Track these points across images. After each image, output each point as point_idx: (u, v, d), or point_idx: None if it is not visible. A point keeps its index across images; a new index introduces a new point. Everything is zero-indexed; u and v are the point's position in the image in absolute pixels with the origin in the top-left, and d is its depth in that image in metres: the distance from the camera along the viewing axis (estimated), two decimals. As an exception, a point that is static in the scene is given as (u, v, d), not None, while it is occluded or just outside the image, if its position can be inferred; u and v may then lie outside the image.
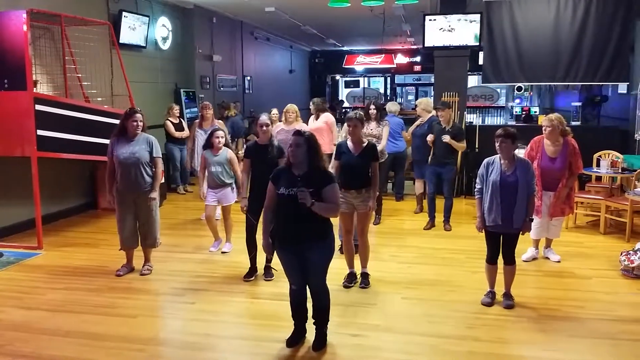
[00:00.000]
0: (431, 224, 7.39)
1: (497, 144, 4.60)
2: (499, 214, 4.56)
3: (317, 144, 3.87)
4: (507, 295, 4.82)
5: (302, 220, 3.73)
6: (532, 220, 4.76)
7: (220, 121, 8.55)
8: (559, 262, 5.95)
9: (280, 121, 7.85)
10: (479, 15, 9.10)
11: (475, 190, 4.82)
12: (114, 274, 5.62)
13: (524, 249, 5.96)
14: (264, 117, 5.44)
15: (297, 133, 3.87)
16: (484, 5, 9.15)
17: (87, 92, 7.99)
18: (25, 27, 6.21)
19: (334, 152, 5.34)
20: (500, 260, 4.78)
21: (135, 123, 5.36)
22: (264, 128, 5.37)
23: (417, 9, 11.21)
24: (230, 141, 6.45)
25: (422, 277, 5.57)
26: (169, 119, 9.62)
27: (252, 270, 5.52)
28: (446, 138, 7.03)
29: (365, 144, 5.12)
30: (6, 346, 4.13)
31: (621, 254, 5.67)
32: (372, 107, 7.39)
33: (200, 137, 7.90)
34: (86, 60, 7.89)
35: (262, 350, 4.04)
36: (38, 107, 6.37)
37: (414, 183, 9.87)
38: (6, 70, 6.31)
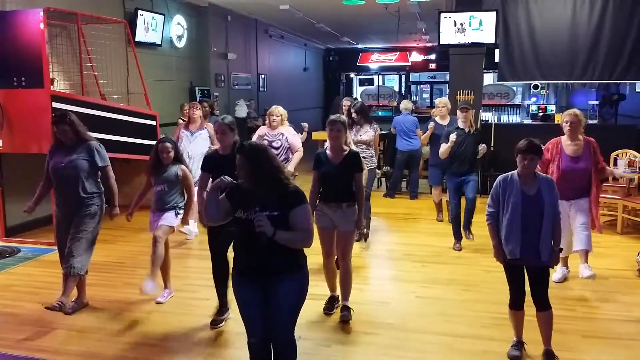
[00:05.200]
0: (460, 245, 6.49)
1: (523, 161, 3.71)
2: (518, 244, 3.72)
3: (265, 156, 3.06)
4: (549, 353, 3.84)
5: (266, 249, 2.98)
6: (561, 250, 3.96)
7: (210, 124, 7.29)
8: (590, 277, 5.11)
9: (286, 122, 6.65)
10: (494, 13, 9.05)
11: (487, 213, 3.91)
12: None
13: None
14: (220, 120, 4.43)
15: (238, 149, 3.10)
16: (500, 2, 9.07)
17: (103, 89, 8.05)
18: (42, 25, 6.27)
19: (313, 162, 4.60)
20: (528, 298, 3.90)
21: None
22: (219, 135, 4.40)
23: (432, 6, 11.17)
24: (182, 154, 5.19)
25: (437, 276, 5.55)
26: (182, 117, 9.66)
27: (223, 307, 4.52)
28: (483, 149, 6.25)
29: (346, 152, 4.48)
30: (24, 341, 4.19)
31: (638, 254, 5.61)
32: (353, 112, 6.52)
33: (186, 140, 7.07)
34: (102, 58, 7.95)
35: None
36: (55, 104, 6.43)
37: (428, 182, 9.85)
38: (24, 68, 6.38)
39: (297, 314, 3.15)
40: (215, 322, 4.43)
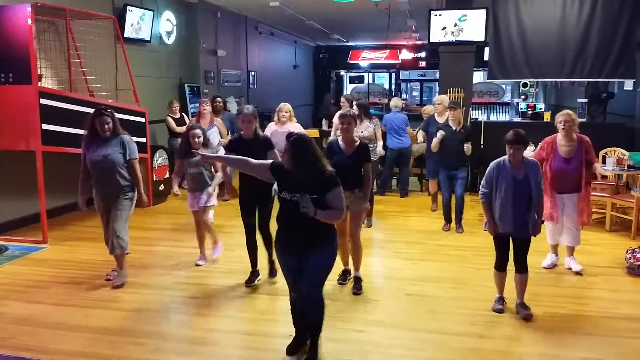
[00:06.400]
0: (449, 227, 7.11)
1: (509, 150, 4.33)
2: (511, 221, 4.37)
3: (308, 146, 3.55)
4: (522, 305, 4.56)
5: (304, 226, 3.56)
6: (543, 221, 4.54)
7: (219, 119, 8.05)
8: (580, 272, 5.51)
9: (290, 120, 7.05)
10: (484, 11, 9.06)
11: (481, 193, 4.56)
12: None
13: (542, 257, 5.73)
14: (245, 111, 5.08)
15: (287, 137, 3.59)
16: (490, 0, 9.09)
17: (92, 86, 7.99)
18: (30, 21, 6.21)
19: (326, 151, 5.01)
20: (510, 265, 4.56)
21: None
22: (245, 124, 5.01)
23: (423, 4, 11.18)
24: (209, 140, 5.75)
25: (427, 274, 5.56)
26: (170, 114, 9.60)
27: (254, 274, 5.27)
28: (468, 149, 6.71)
29: (357, 144, 4.92)
30: (10, 339, 4.15)
31: (627, 252, 5.64)
32: (354, 105, 6.87)
33: None
34: (91, 55, 7.88)
35: (266, 346, 4.05)
36: (43, 101, 6.38)
37: (418, 180, 9.89)
38: (11, 64, 6.31)
39: (325, 277, 3.73)
40: (249, 281, 5.18)
